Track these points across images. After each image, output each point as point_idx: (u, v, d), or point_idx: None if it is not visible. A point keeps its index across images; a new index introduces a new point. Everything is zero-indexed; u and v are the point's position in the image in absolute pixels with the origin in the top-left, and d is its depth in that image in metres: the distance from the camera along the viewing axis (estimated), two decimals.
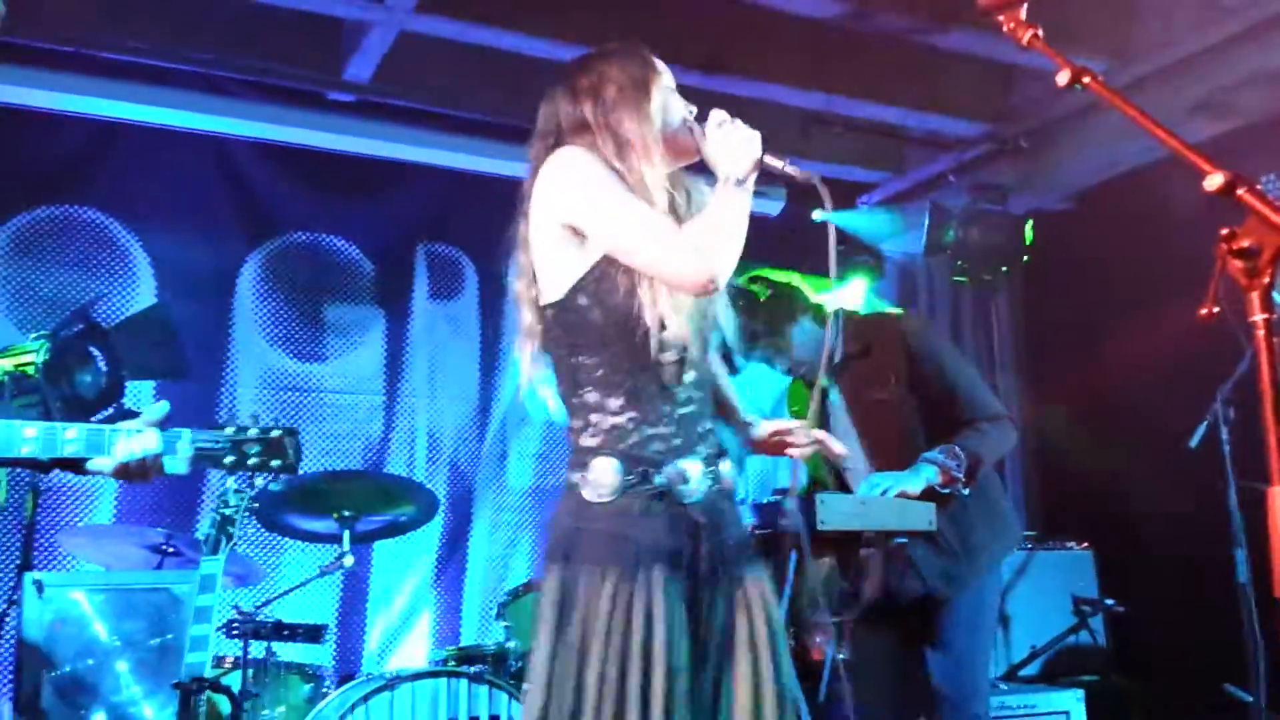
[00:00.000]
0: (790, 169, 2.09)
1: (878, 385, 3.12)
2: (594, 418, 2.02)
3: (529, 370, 2.13)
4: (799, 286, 3.28)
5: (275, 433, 2.17)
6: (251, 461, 2.14)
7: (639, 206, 2.01)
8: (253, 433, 2.15)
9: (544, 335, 2.09)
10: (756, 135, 2.07)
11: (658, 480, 1.99)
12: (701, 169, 2.14)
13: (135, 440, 1.96)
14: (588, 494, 1.99)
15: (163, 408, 2.03)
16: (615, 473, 1.98)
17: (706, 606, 1.99)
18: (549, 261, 2.05)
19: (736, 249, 2.01)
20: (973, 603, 3.05)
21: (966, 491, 2.92)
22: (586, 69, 2.21)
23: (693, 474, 2.01)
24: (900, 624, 3.08)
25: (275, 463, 2.16)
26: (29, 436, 1.95)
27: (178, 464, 2.03)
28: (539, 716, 1.90)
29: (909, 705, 3.06)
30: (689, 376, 2.05)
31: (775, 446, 2.32)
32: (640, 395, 2.01)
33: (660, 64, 2.19)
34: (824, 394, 3.23)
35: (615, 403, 2.02)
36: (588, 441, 2.02)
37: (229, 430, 2.15)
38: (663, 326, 2.01)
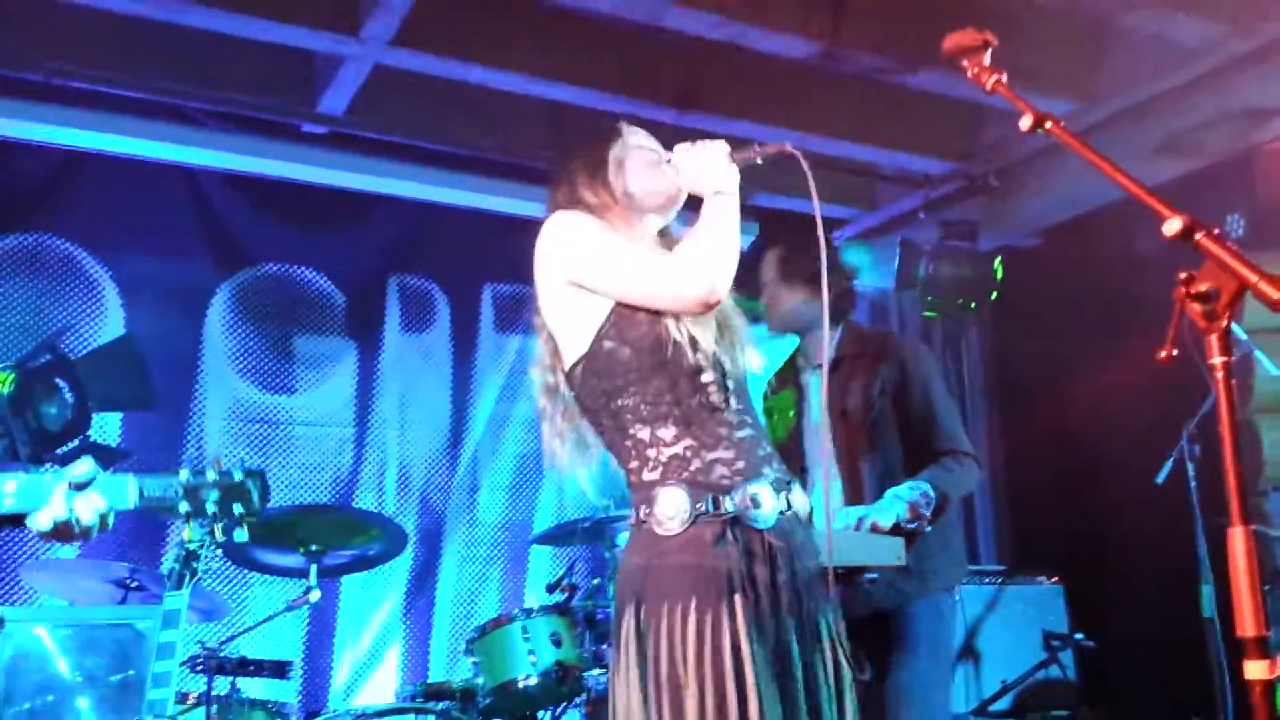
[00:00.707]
0: (763, 150, 2.11)
1: (864, 391, 3.14)
2: (650, 453, 2.02)
3: (563, 457, 2.15)
4: (840, 275, 3.30)
5: (237, 476, 1.99)
6: (210, 510, 1.95)
7: (630, 247, 2.07)
8: (210, 476, 1.96)
9: (579, 396, 2.10)
10: (720, 143, 2.11)
11: (728, 506, 1.97)
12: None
13: (79, 501, 1.72)
14: (656, 528, 1.98)
15: (88, 472, 1.76)
16: (683, 502, 1.96)
17: (788, 637, 1.94)
18: (566, 320, 2.09)
19: (731, 257, 2.03)
20: (925, 628, 3.04)
21: (929, 529, 2.93)
22: (555, 172, 2.29)
23: (764, 498, 1.99)
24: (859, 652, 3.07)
25: (237, 509, 1.98)
26: None
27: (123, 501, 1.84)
28: None
29: None
30: (734, 398, 2.04)
31: None
32: (691, 420, 2.01)
33: (624, 128, 2.24)
34: (800, 380, 3.24)
35: (668, 434, 2.02)
36: (649, 476, 2.01)
37: (183, 475, 1.94)
38: (694, 346, 2.02)
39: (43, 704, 3.36)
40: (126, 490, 1.81)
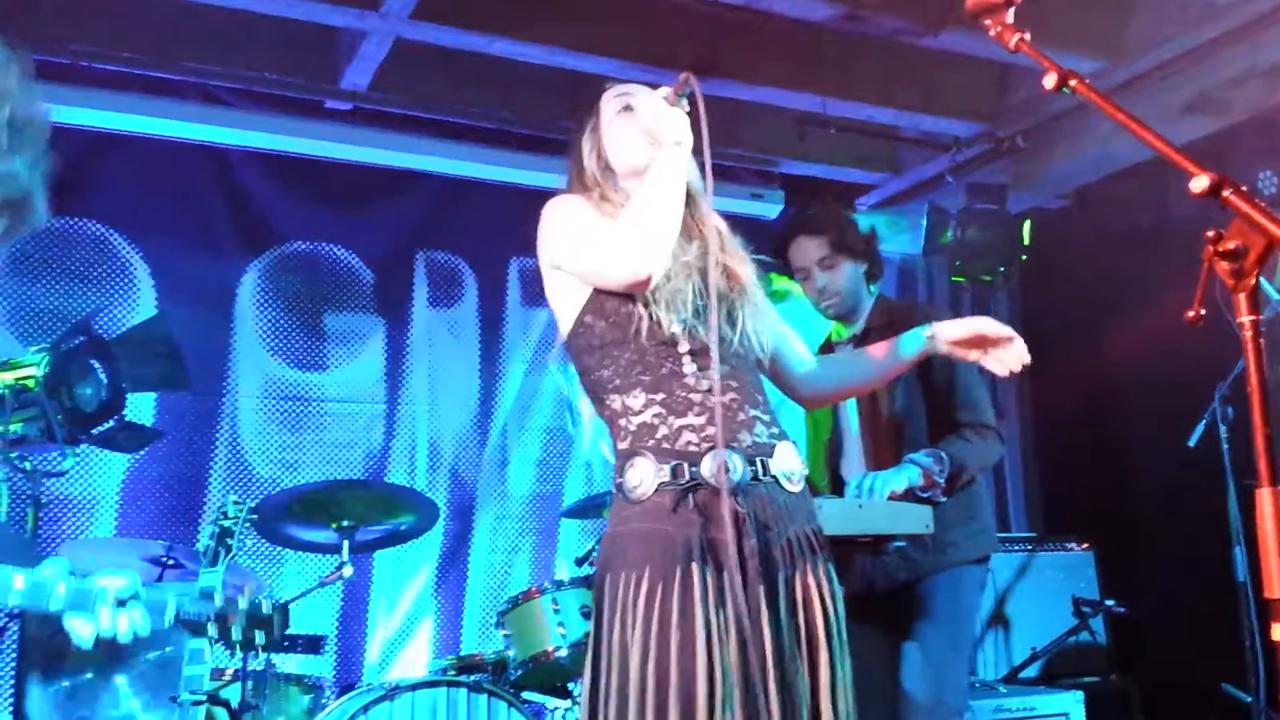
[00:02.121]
0: (677, 87, 2.10)
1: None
2: (622, 422, 2.04)
3: (588, 419, 2.22)
4: (875, 242, 3.31)
5: (265, 610, 2.07)
6: (234, 637, 2.04)
7: (585, 226, 2.08)
8: (242, 606, 2.05)
9: (576, 368, 2.15)
10: (661, 89, 2.12)
11: (691, 473, 1.96)
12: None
13: (121, 617, 1.86)
14: (627, 496, 2.00)
15: (129, 587, 1.90)
16: (648, 470, 1.97)
17: (757, 605, 1.92)
18: (557, 300, 2.15)
19: (668, 228, 2.01)
20: (944, 599, 3.03)
21: (944, 499, 2.92)
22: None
23: (732, 464, 1.97)
24: (878, 621, 3.07)
25: (259, 638, 2.06)
26: (17, 588, 1.87)
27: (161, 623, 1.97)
28: None
29: (893, 707, 3.05)
30: (715, 366, 2.01)
31: (973, 344, 2.37)
32: (660, 388, 2.01)
33: (604, 95, 2.24)
34: (834, 353, 3.25)
35: (637, 402, 2.02)
36: (622, 445, 2.04)
37: (217, 602, 2.04)
38: (667, 316, 2.02)
39: (82, 681, 3.42)
40: (165, 611, 1.96)
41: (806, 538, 2.05)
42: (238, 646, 2.05)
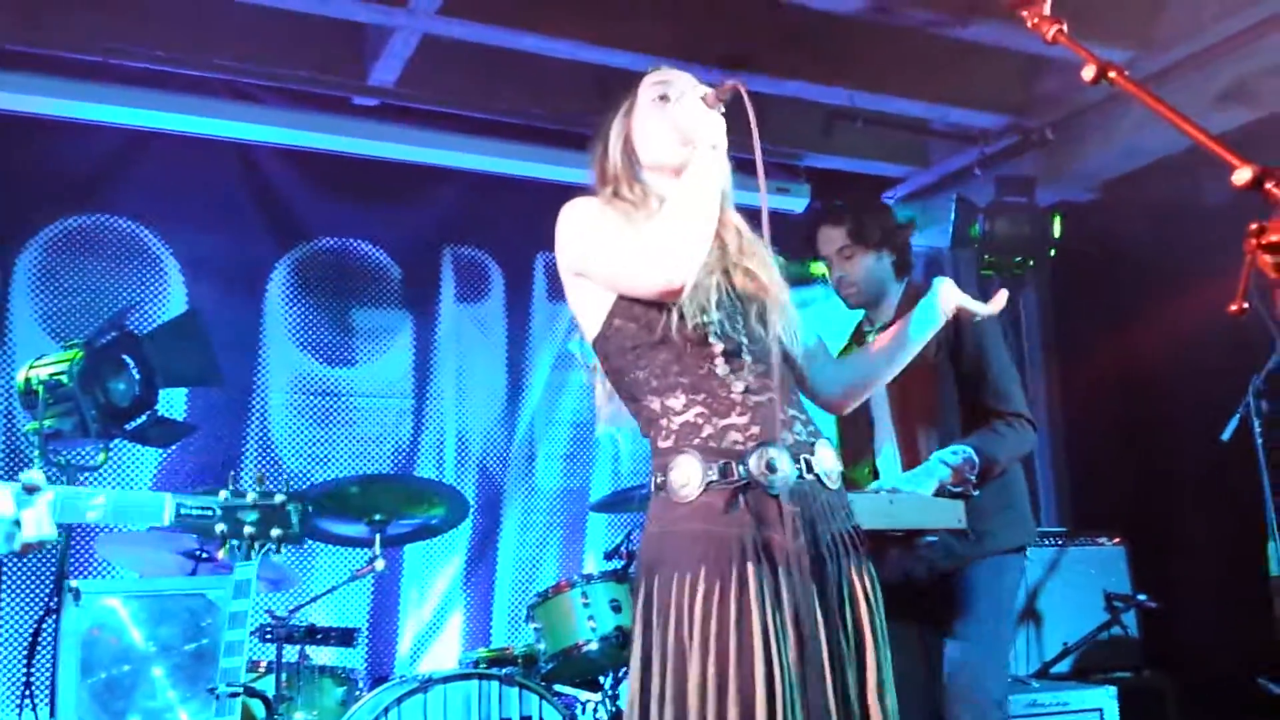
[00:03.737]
0: (720, 93, 2.04)
1: (923, 351, 3.12)
2: (663, 422, 2.01)
3: (602, 409, 2.17)
4: (904, 228, 3.29)
5: (277, 498, 1.96)
6: (248, 530, 1.93)
7: (607, 232, 2.04)
8: (250, 498, 1.94)
9: (604, 370, 2.12)
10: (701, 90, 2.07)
11: (741, 472, 1.94)
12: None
13: (26, 513, 1.72)
14: (671, 496, 1.96)
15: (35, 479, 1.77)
16: (695, 469, 1.94)
17: (810, 604, 1.90)
18: (580, 304, 2.10)
19: (701, 235, 1.96)
20: (982, 588, 3.01)
21: (977, 494, 2.90)
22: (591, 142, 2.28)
23: (780, 463, 1.95)
24: (916, 613, 3.06)
25: (275, 531, 1.96)
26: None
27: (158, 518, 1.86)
28: None
29: (931, 698, 3.04)
30: (751, 364, 2.00)
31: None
32: (700, 389, 1.99)
33: (643, 82, 2.19)
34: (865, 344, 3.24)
35: (678, 403, 2.00)
36: (664, 444, 2.00)
37: (222, 496, 1.92)
38: (698, 317, 1.98)
39: (119, 673, 3.45)
40: (162, 508, 1.84)
41: (848, 536, 2.04)
42: (251, 545, 1.95)
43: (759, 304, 2.08)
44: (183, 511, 1.85)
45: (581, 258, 2.07)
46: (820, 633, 1.90)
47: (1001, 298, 2.34)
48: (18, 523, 1.74)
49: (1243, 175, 1.45)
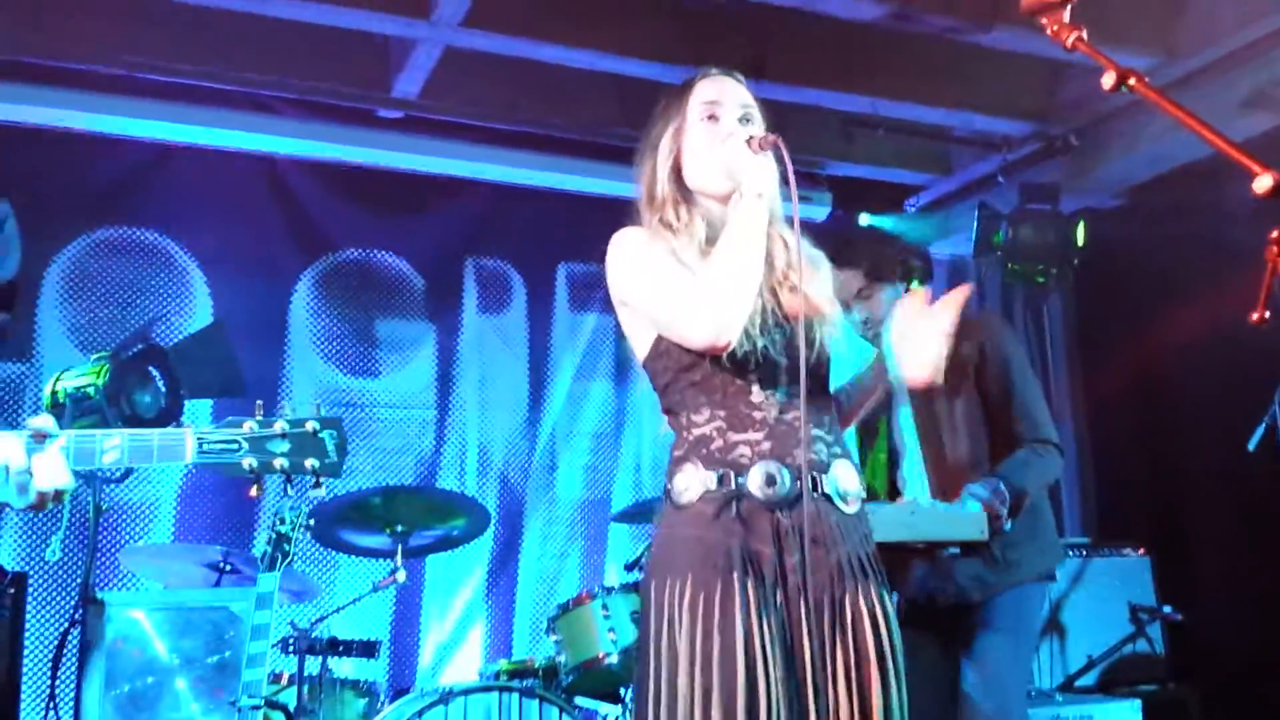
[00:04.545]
0: (764, 142, 2.02)
1: (948, 376, 3.10)
2: (684, 434, 2.04)
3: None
4: (912, 257, 3.27)
5: (310, 425, 1.75)
6: (280, 463, 1.73)
7: (656, 275, 2.03)
8: (280, 426, 1.74)
9: (653, 387, 2.13)
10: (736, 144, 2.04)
11: (738, 483, 1.96)
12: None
13: (39, 460, 1.62)
14: (672, 502, 2.00)
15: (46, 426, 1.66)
16: (694, 476, 1.97)
17: (802, 621, 1.90)
18: (631, 329, 2.13)
19: (750, 289, 1.96)
20: (1008, 614, 3.00)
21: (1009, 526, 2.88)
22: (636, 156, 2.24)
23: (780, 477, 1.96)
24: (938, 633, 3.05)
25: (311, 462, 1.75)
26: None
27: (179, 456, 1.70)
28: None
29: (949, 716, 3.02)
30: (786, 385, 2.01)
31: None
32: (726, 406, 2.01)
33: (693, 88, 2.15)
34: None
35: (701, 416, 2.02)
36: (676, 452, 2.04)
37: (247, 427, 1.73)
38: (742, 342, 1.98)
39: (143, 685, 3.47)
40: (183, 444, 1.68)
41: (860, 559, 2.03)
42: (287, 481, 1.76)
43: (806, 323, 2.06)
44: (205, 446, 1.69)
45: (630, 296, 2.09)
46: (806, 650, 1.89)
47: (962, 292, 2.22)
48: (30, 472, 1.64)
49: (1264, 183, 1.44)
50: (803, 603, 1.91)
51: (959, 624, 3.02)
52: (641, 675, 1.96)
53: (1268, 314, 1.47)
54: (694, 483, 1.97)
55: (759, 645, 1.86)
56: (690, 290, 1.98)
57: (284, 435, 1.75)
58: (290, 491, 1.83)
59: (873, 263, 3.17)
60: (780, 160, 2.00)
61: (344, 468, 1.81)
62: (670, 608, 1.92)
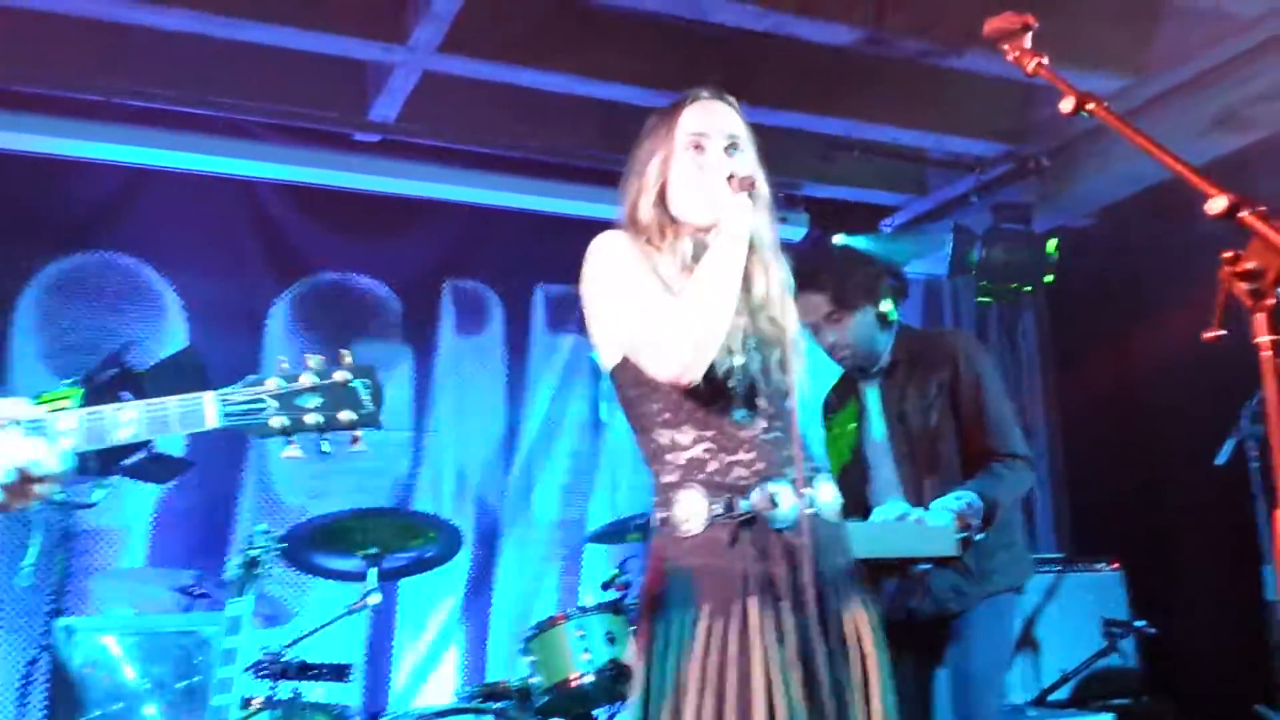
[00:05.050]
0: (744, 184, 2.03)
1: (920, 395, 3.12)
2: (669, 456, 2.03)
3: None
4: (881, 277, 3.28)
5: (340, 374, 1.61)
6: (312, 419, 1.59)
7: (631, 299, 2.03)
8: (307, 380, 1.60)
9: (618, 398, 2.13)
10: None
11: (744, 507, 1.96)
12: None
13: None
14: (675, 530, 1.98)
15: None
16: (700, 504, 1.96)
17: (814, 637, 1.90)
18: (600, 337, 2.12)
19: (719, 330, 1.96)
20: (983, 625, 3.02)
21: (980, 537, 2.90)
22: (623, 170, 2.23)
23: (783, 497, 1.96)
24: (914, 648, 3.05)
25: (346, 415, 1.61)
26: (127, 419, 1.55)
27: (201, 423, 1.55)
28: None
29: None
30: (765, 407, 2.02)
31: None
32: (710, 425, 2.00)
33: (682, 111, 2.14)
34: (859, 391, 3.23)
35: (686, 438, 2.02)
36: (668, 478, 2.02)
37: (271, 384, 1.58)
38: (722, 363, 1.99)
39: (112, 711, 3.44)
40: (202, 410, 1.54)
41: (849, 572, 2.05)
42: (322, 437, 1.61)
43: (780, 349, 2.08)
44: (229, 410, 1.53)
45: (602, 313, 2.09)
46: (824, 668, 1.90)
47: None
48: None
49: (1216, 204, 1.47)
50: (818, 619, 1.91)
51: (935, 637, 3.03)
52: (643, 706, 1.92)
53: (1223, 331, 1.49)
54: (698, 509, 1.96)
55: (779, 671, 1.86)
56: (660, 325, 1.97)
57: (314, 389, 1.61)
58: (327, 448, 1.67)
59: (838, 288, 3.17)
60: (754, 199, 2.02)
61: (380, 416, 1.67)
62: (680, 638, 1.90)
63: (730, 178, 2.02)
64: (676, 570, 1.97)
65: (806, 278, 3.28)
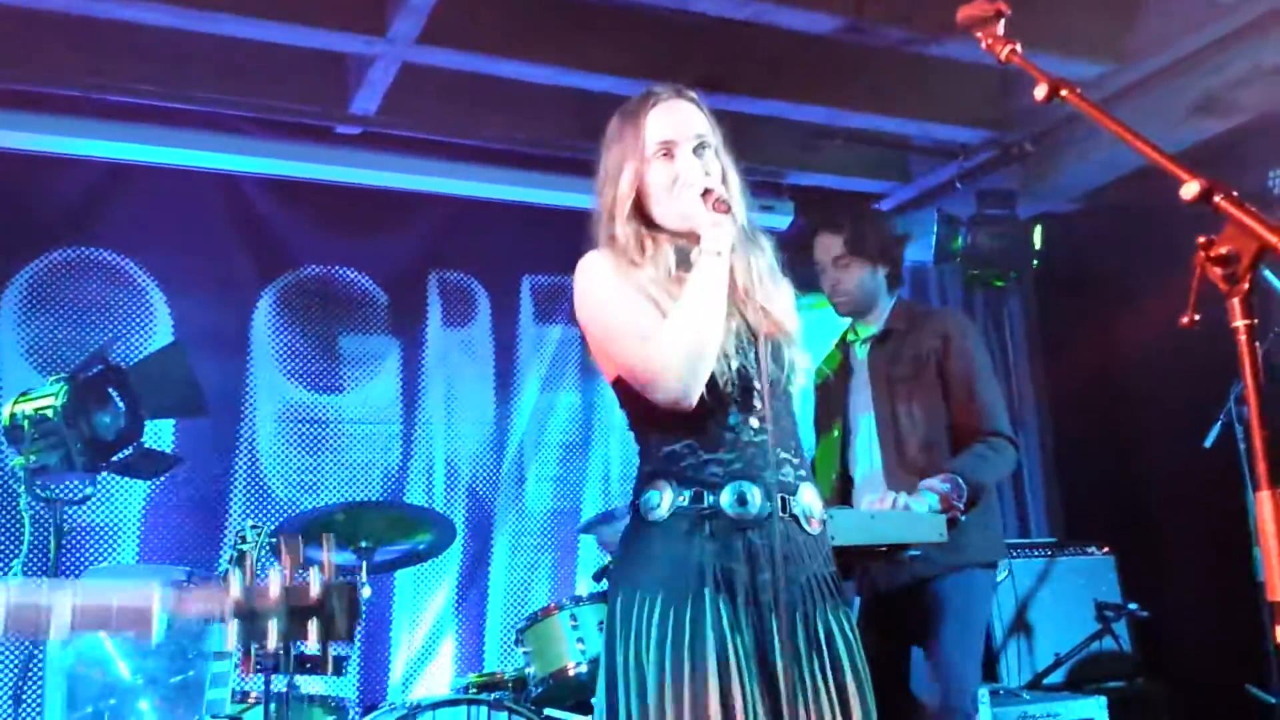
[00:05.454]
0: (715, 201, 2.03)
1: (911, 364, 3.16)
2: (652, 450, 2.06)
3: None
4: (901, 241, 3.33)
5: (314, 591, 1.44)
6: (272, 646, 1.44)
7: (624, 328, 2.03)
8: (274, 591, 1.43)
9: (620, 406, 2.15)
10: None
11: (710, 501, 1.98)
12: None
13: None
14: (642, 518, 2.02)
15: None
16: (666, 494, 1.99)
17: (775, 638, 1.91)
18: (598, 353, 2.15)
19: (705, 355, 1.97)
20: (956, 598, 3.04)
21: (964, 518, 2.93)
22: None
23: (751, 497, 1.98)
24: (892, 630, 3.08)
25: (311, 648, 1.50)
26: None
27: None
28: None
29: (898, 710, 3.05)
30: (757, 408, 2.03)
31: None
32: (697, 427, 2.02)
33: (648, 112, 2.12)
34: (849, 351, 3.25)
35: (672, 436, 2.04)
36: (646, 468, 2.06)
37: (234, 590, 1.43)
38: (718, 364, 2.00)
39: (105, 707, 3.44)
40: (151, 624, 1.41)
41: (824, 580, 2.06)
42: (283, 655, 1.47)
43: (772, 342, 2.08)
44: (174, 624, 1.43)
45: (599, 340, 2.11)
46: (782, 664, 1.91)
47: None
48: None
49: (1190, 189, 1.48)
50: (774, 619, 1.92)
51: (907, 613, 3.06)
52: (609, 692, 1.96)
53: (1197, 317, 1.51)
54: (666, 499, 1.99)
55: (732, 661, 1.88)
56: (652, 360, 1.98)
57: (275, 612, 1.43)
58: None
59: (856, 235, 3.21)
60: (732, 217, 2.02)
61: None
62: (639, 623, 1.94)
63: (706, 194, 2.02)
64: (639, 555, 2.01)
65: (826, 219, 3.33)
